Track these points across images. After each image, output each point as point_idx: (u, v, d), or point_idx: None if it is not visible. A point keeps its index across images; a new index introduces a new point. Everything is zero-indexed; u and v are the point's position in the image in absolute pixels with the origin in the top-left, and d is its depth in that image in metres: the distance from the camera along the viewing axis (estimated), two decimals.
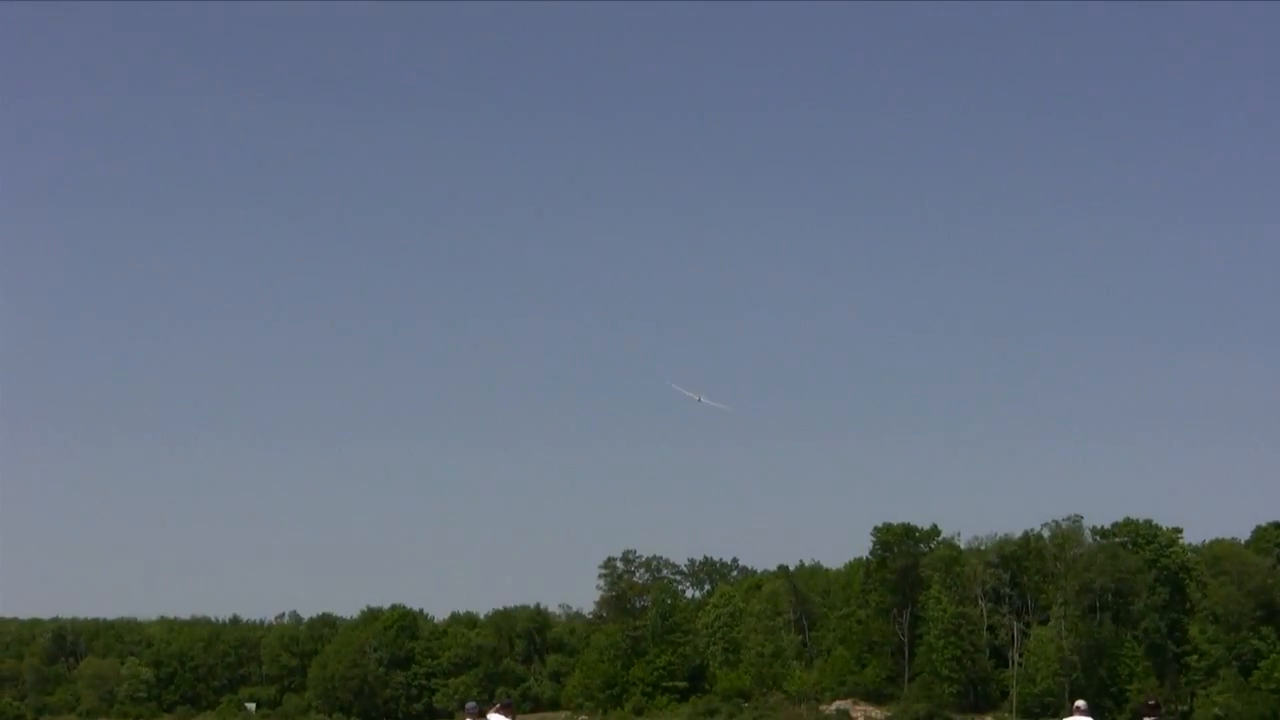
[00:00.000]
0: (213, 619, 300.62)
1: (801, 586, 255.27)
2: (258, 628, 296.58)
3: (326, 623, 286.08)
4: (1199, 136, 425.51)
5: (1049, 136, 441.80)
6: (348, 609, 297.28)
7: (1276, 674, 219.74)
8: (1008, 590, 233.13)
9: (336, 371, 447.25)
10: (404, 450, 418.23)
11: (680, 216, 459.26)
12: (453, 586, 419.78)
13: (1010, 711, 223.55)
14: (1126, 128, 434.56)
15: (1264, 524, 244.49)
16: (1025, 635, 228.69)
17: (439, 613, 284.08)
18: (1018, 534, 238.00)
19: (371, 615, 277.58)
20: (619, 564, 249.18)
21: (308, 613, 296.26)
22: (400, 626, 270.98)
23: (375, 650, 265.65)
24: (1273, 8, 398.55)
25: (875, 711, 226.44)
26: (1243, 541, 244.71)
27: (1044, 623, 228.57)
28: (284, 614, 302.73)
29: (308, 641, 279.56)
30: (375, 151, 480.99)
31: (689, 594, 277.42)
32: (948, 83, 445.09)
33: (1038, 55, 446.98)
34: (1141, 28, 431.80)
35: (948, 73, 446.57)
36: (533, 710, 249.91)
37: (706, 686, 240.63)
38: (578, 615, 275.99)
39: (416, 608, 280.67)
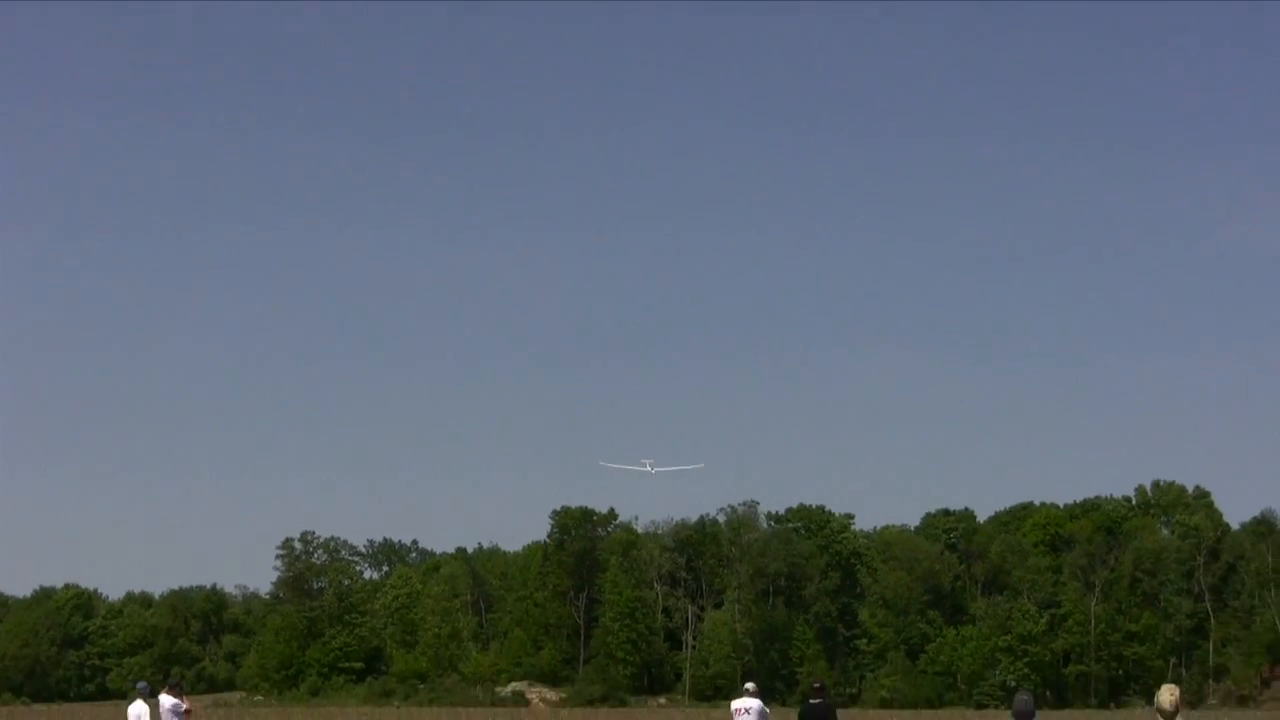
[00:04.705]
0: None
1: (480, 569, 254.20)
2: None
3: None
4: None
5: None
6: (19, 587, 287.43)
7: (942, 657, 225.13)
8: (684, 574, 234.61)
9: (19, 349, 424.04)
10: (77, 424, 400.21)
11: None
12: (128, 565, 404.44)
13: (683, 694, 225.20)
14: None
15: (933, 511, 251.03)
16: (700, 619, 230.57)
17: (114, 592, 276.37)
18: (694, 519, 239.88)
19: (44, 594, 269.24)
20: (297, 545, 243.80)
21: None
22: (74, 606, 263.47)
23: (48, 630, 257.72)
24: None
25: (551, 693, 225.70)
26: (912, 528, 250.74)
27: (718, 606, 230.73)
28: None
29: None
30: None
31: (367, 575, 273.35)
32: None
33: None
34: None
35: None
36: (207, 691, 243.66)
37: (383, 668, 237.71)
38: (254, 596, 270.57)
39: (91, 587, 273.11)
